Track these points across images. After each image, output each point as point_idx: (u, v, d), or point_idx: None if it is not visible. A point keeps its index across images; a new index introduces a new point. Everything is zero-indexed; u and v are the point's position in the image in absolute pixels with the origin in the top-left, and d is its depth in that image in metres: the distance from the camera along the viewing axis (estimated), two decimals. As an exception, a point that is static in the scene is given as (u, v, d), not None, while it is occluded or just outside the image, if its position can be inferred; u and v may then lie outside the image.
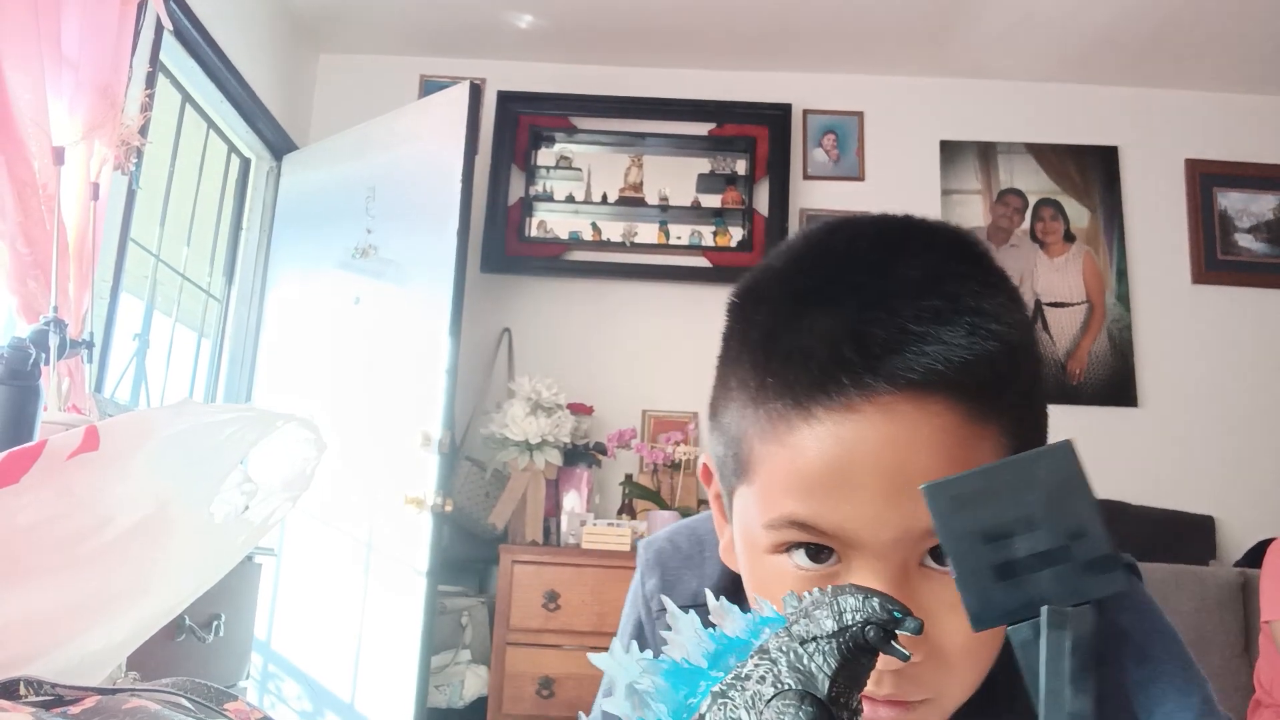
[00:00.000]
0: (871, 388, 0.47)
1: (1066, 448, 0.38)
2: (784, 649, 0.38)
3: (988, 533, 0.39)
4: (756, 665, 0.38)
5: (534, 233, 3.39)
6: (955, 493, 0.39)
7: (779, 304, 0.52)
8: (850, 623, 0.37)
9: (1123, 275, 3.36)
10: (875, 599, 0.37)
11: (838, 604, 0.38)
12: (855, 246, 0.53)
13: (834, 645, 0.37)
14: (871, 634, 0.37)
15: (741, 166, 3.44)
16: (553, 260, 3.37)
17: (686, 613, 0.62)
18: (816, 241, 0.55)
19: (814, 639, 0.37)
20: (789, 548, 0.52)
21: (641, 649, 0.62)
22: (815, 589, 0.39)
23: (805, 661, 0.37)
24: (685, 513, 2.78)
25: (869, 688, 0.49)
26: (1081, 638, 0.37)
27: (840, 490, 0.48)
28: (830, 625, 0.38)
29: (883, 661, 0.49)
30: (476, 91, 2.84)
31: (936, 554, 0.49)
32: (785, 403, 0.50)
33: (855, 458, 0.48)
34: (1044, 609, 0.38)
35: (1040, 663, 0.37)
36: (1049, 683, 0.37)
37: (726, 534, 0.61)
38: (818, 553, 0.51)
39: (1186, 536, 3.06)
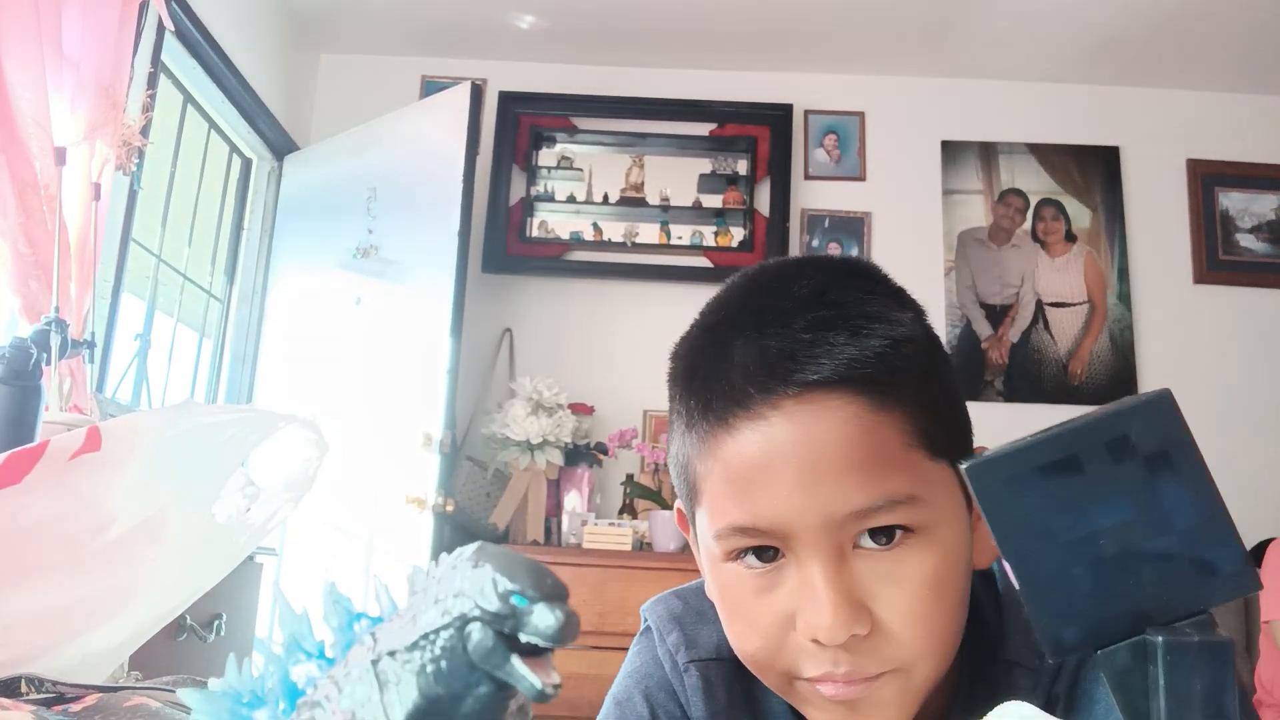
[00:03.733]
0: (775, 393, 0.53)
1: (1164, 401, 0.29)
2: (339, 680, 0.26)
3: (1059, 525, 0.28)
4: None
5: (535, 233, 3.39)
6: (1010, 473, 0.29)
7: (698, 339, 0.60)
8: (444, 622, 0.25)
9: (1124, 275, 3.36)
10: (494, 575, 0.25)
11: (449, 583, 0.25)
12: (758, 279, 0.60)
13: (416, 664, 0.25)
14: (474, 639, 0.25)
15: (743, 167, 3.44)
16: (554, 260, 3.37)
17: (712, 664, 0.66)
18: (728, 284, 0.62)
19: (393, 653, 0.26)
20: (739, 554, 0.56)
21: (656, 709, 0.66)
22: (456, 553, 0.28)
23: (365, 704, 0.25)
24: (686, 513, 2.78)
25: (827, 667, 0.53)
26: (1215, 668, 0.26)
27: (765, 488, 0.53)
28: (417, 630, 0.25)
29: (826, 635, 0.52)
30: (478, 92, 2.84)
31: (874, 534, 0.53)
32: (710, 421, 0.56)
33: (772, 457, 0.53)
34: (1160, 639, 0.27)
35: (1159, 711, 0.26)
36: None
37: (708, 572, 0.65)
38: (763, 552, 0.56)
39: (1188, 537, 3.05)
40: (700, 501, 0.59)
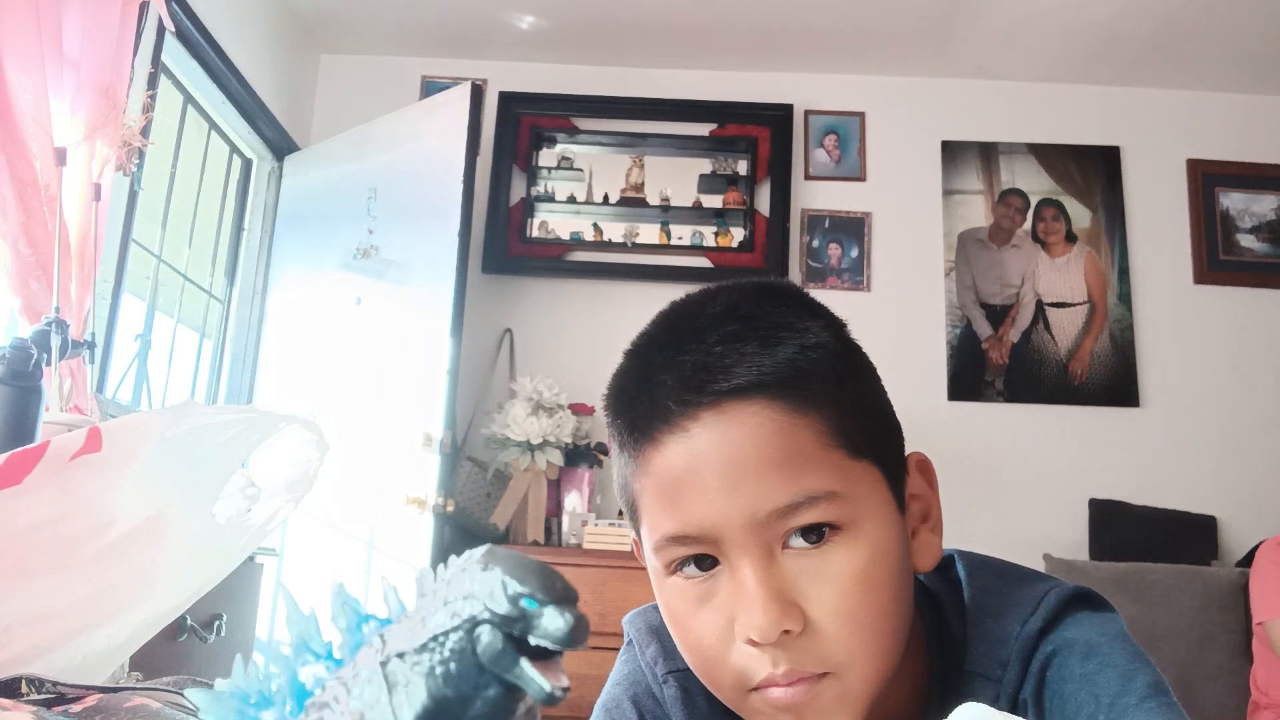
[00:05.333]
0: (693, 405, 0.56)
1: None
2: (348, 681, 0.26)
3: None
4: None
5: (535, 233, 3.39)
6: None
7: (627, 365, 0.63)
8: (453, 624, 0.25)
9: (1124, 275, 3.36)
10: (504, 578, 0.25)
11: (459, 585, 0.26)
12: (678, 306, 0.64)
13: (425, 666, 0.25)
14: (484, 641, 0.25)
15: (743, 167, 3.44)
16: (554, 261, 3.37)
17: (690, 674, 0.65)
18: (656, 315, 0.65)
19: (402, 655, 0.26)
20: (678, 566, 0.58)
21: (645, 715, 0.66)
22: (465, 556, 0.28)
23: (373, 706, 0.25)
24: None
25: (768, 669, 0.54)
26: None
27: (691, 494, 0.56)
28: (426, 632, 0.26)
29: (758, 633, 0.53)
30: (478, 92, 2.84)
31: (804, 534, 0.55)
32: (639, 439, 0.59)
33: (695, 465, 0.56)
34: None
35: None
36: None
37: None
38: (701, 562, 0.57)
39: (1188, 537, 3.05)
40: (641, 519, 0.61)
